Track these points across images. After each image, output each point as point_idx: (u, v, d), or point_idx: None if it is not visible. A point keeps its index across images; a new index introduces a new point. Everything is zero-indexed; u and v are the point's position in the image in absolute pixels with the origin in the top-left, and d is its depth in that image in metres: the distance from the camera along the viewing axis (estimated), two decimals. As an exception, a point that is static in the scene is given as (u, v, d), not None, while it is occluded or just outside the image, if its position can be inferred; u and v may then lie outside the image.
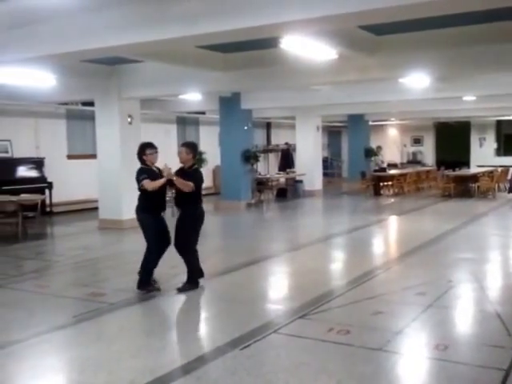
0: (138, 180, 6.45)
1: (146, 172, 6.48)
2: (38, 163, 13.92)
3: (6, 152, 13.64)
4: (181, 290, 6.55)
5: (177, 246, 6.59)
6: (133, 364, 4.52)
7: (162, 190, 6.54)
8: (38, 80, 10.05)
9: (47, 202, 13.58)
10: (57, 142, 14.95)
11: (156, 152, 6.60)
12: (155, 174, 6.49)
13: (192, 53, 9.41)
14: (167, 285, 6.77)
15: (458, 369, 4.36)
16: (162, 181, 6.37)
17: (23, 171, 13.60)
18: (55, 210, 14.09)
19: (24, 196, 11.18)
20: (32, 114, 14.22)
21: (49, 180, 13.80)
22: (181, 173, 6.61)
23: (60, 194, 13.99)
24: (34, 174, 13.76)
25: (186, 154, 6.62)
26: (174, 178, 6.33)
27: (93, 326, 5.55)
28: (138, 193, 6.60)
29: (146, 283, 6.58)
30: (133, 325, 5.71)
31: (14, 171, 13.42)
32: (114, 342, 5.09)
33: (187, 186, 6.39)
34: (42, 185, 13.56)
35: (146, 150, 6.56)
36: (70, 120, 15.45)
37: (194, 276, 6.67)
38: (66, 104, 14.75)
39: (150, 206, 6.54)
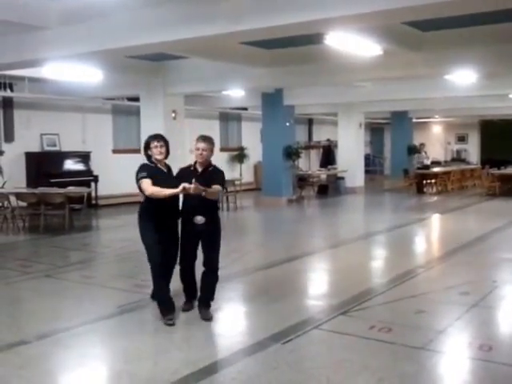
0: (136, 178, 5.24)
1: (148, 169, 5.25)
2: (85, 157, 14.28)
3: (54, 145, 14.03)
4: (209, 319, 5.41)
5: (213, 266, 5.44)
6: (176, 355, 4.60)
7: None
8: (85, 76, 10.30)
9: (93, 194, 13.91)
10: (103, 136, 15.28)
11: (162, 146, 5.29)
12: (159, 174, 5.28)
13: (237, 49, 9.48)
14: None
15: (503, 370, 4.29)
16: (172, 191, 5.06)
17: (70, 164, 13.98)
18: (100, 202, 14.41)
19: (71, 189, 11.47)
20: (79, 109, 14.58)
21: (95, 173, 14.14)
22: (193, 175, 5.19)
23: (105, 188, 14.30)
24: (80, 167, 14.12)
25: (210, 152, 5.31)
26: (203, 194, 5.03)
27: (137, 316, 5.65)
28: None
29: (162, 311, 5.40)
30: (175, 317, 5.80)
31: (62, 164, 13.81)
32: (157, 333, 5.18)
33: (218, 192, 5.28)
34: (88, 178, 13.91)
35: (150, 143, 5.33)
36: (116, 115, 15.77)
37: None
38: (112, 99, 15.05)
39: (151, 211, 5.30)
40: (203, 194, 5.02)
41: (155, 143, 5.28)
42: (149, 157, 5.36)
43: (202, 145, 5.25)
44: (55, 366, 4.50)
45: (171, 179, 5.32)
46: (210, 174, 5.28)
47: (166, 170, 5.39)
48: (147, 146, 5.33)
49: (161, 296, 5.46)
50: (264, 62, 10.37)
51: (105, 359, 4.76)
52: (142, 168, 5.27)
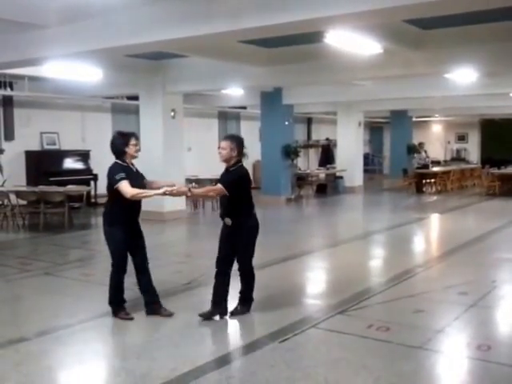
0: (114, 179, 5.07)
1: (123, 169, 5.11)
2: (84, 155, 14.29)
3: (54, 144, 14.05)
4: (234, 314, 5.46)
5: (242, 268, 5.41)
6: (174, 353, 4.61)
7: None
8: (85, 74, 10.29)
9: (92, 193, 13.89)
10: (102, 134, 15.17)
11: (139, 145, 5.30)
12: (132, 174, 5.18)
13: (236, 48, 9.47)
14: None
15: (502, 370, 4.29)
16: (156, 192, 5.10)
17: (70, 163, 13.99)
18: (100, 201, 14.34)
19: (70, 187, 11.46)
20: (79, 108, 14.59)
21: (94, 172, 14.12)
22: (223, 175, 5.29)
23: (105, 186, 14.24)
24: (80, 165, 14.13)
25: (230, 150, 5.12)
26: (189, 194, 5.14)
27: (135, 314, 5.65)
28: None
29: (116, 308, 5.50)
30: (174, 315, 5.81)
31: (62, 163, 13.82)
32: (155, 330, 5.21)
33: (211, 190, 5.22)
34: (87, 176, 13.90)
35: (130, 139, 5.20)
36: (115, 114, 15.77)
37: (250, 298, 5.59)
38: (111, 98, 15.05)
39: (120, 215, 5.28)
40: (189, 194, 5.11)
41: (134, 141, 5.20)
42: (120, 154, 5.20)
43: (221, 143, 5.19)
44: (54, 363, 4.52)
45: (141, 178, 5.34)
46: (230, 172, 5.19)
47: (135, 170, 5.31)
48: (126, 143, 5.17)
49: (118, 298, 5.53)
50: (263, 61, 10.35)
51: (103, 356, 4.78)
52: (118, 168, 5.11)
